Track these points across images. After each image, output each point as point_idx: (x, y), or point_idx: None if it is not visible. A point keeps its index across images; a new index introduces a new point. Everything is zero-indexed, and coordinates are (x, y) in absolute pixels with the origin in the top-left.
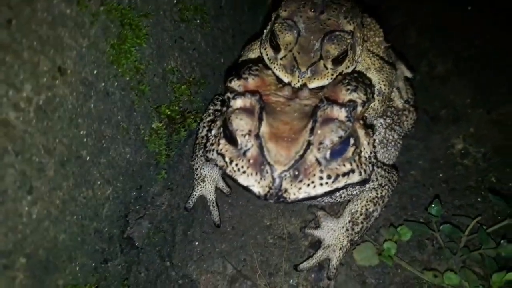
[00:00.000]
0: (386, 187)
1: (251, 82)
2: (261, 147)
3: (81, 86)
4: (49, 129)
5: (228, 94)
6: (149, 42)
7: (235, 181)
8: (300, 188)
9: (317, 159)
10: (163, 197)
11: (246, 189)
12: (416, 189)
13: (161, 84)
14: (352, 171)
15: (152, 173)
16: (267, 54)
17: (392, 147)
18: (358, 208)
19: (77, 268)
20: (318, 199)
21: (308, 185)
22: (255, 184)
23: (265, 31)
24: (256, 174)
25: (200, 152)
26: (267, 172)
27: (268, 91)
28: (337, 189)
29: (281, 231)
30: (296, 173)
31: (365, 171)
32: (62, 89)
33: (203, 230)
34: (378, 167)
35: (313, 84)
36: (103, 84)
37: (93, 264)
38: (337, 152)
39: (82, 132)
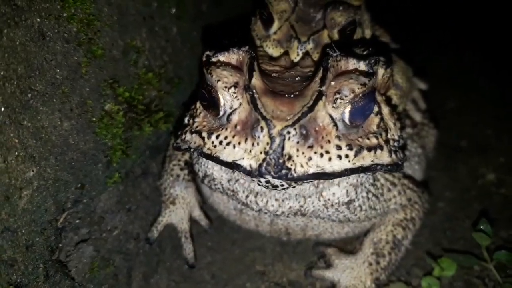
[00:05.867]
0: (416, 206)
1: (236, 56)
2: (253, 100)
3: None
4: None
5: (207, 51)
6: None
7: (216, 160)
8: (310, 159)
9: (332, 119)
10: (116, 218)
11: (232, 167)
12: (448, 222)
13: (120, 59)
14: (380, 147)
15: (101, 173)
16: (257, 35)
17: (415, 163)
18: (382, 235)
19: None
20: (334, 194)
21: (322, 155)
22: (244, 155)
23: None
24: (246, 140)
25: (171, 165)
26: (261, 131)
27: (261, 60)
28: (362, 169)
29: (279, 278)
30: (304, 132)
31: (395, 153)
32: None
33: (172, 278)
34: (404, 178)
35: (317, 59)
36: (37, 19)
37: None
38: (359, 112)
39: None
